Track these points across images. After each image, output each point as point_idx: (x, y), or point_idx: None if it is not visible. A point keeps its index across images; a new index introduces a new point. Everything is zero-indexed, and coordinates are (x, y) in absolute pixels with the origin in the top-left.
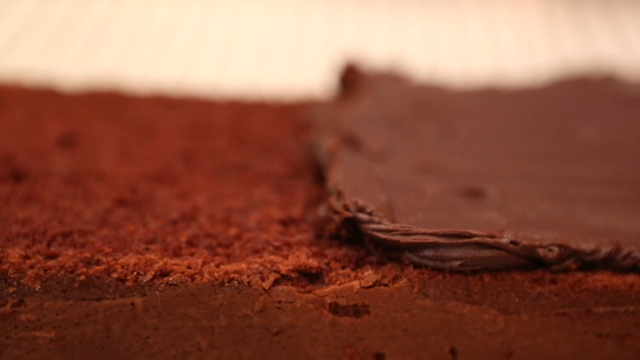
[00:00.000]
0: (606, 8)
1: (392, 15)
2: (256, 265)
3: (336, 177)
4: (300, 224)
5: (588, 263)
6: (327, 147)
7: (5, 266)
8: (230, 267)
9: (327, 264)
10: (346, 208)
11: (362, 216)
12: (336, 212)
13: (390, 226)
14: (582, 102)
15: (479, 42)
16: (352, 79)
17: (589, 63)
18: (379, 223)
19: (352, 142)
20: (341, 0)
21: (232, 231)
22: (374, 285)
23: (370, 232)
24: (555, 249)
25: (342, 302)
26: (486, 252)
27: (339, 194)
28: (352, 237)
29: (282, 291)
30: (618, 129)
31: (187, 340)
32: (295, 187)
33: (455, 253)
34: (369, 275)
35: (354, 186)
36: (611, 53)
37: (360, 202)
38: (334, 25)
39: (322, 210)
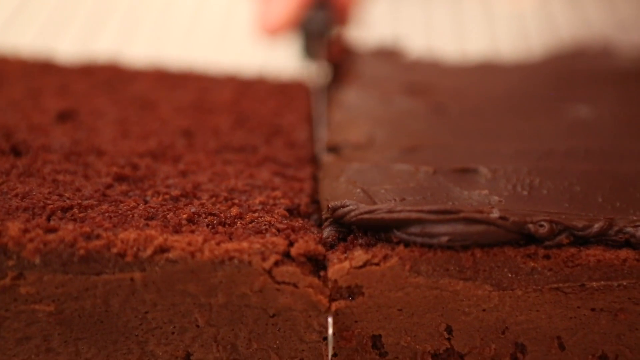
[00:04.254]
0: None
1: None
2: (258, 246)
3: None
4: (305, 218)
5: (581, 238)
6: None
7: (5, 239)
8: (231, 246)
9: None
10: (326, 218)
11: (341, 211)
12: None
13: (373, 207)
14: (577, 76)
15: (474, 22)
16: (343, 58)
17: (583, 39)
18: (357, 208)
19: (336, 143)
20: None
21: (235, 211)
22: (364, 265)
23: (354, 219)
24: (546, 225)
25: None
26: (475, 228)
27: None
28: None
29: (283, 273)
30: (612, 104)
31: (185, 316)
32: (300, 175)
33: (442, 229)
34: (358, 255)
35: (333, 187)
36: (606, 32)
37: (332, 204)
38: None
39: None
